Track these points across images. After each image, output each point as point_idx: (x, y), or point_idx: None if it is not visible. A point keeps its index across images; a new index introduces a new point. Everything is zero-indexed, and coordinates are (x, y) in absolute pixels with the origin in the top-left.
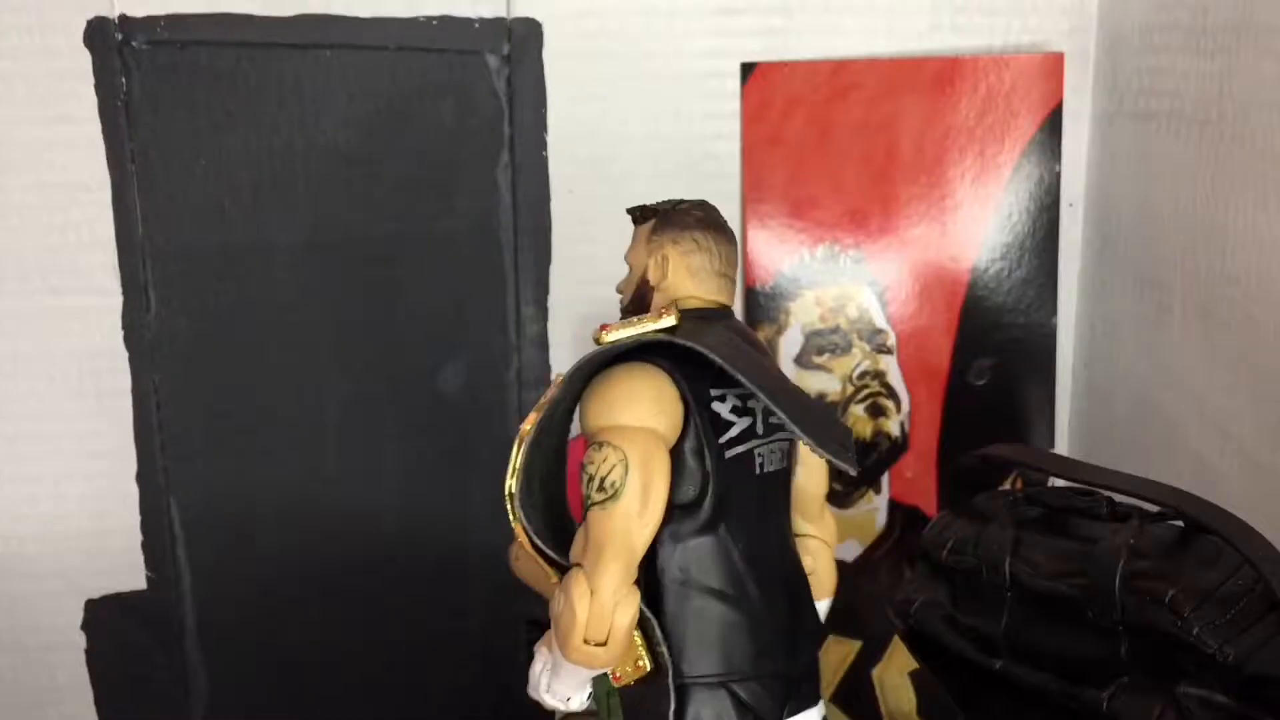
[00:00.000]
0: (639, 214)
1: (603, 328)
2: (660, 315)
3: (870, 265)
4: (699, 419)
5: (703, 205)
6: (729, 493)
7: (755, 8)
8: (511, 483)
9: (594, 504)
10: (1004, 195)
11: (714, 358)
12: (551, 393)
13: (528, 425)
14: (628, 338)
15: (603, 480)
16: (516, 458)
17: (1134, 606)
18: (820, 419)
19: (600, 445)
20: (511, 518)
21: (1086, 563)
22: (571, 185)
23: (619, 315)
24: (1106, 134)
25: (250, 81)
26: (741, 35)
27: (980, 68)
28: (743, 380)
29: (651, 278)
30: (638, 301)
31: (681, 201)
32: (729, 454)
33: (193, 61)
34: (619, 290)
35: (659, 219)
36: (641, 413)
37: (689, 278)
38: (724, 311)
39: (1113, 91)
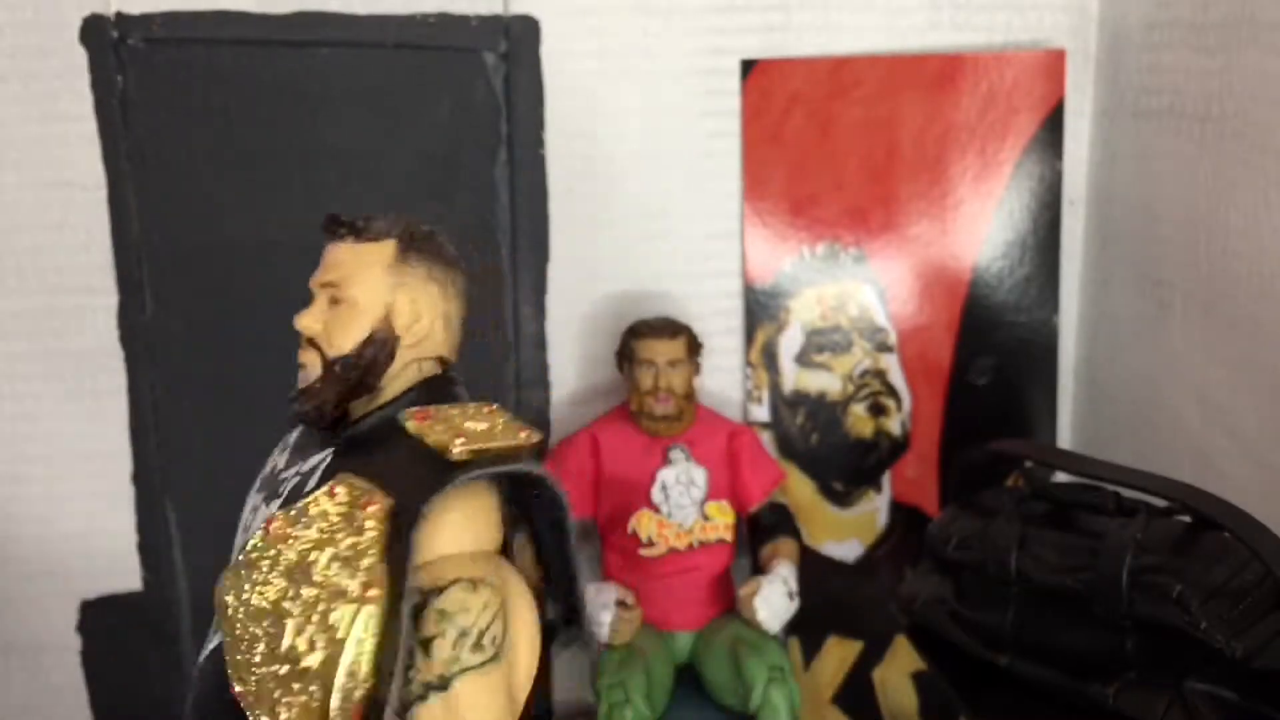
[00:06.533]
0: (357, 229)
1: (423, 417)
2: (500, 415)
3: (871, 263)
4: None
5: (442, 233)
6: None
7: (755, 5)
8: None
9: (465, 671)
10: (1005, 193)
11: (566, 510)
12: (375, 542)
13: (371, 588)
14: (494, 451)
15: (481, 635)
16: (372, 640)
17: (1141, 601)
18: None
19: (470, 585)
20: None
21: (1093, 557)
22: (570, 184)
23: (314, 368)
24: (1108, 131)
25: (247, 79)
26: (741, 32)
27: (981, 65)
28: (571, 545)
29: (399, 322)
30: (369, 358)
31: (408, 217)
32: None
33: (189, 59)
34: (308, 330)
35: (405, 242)
36: (492, 531)
37: (443, 332)
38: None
39: (1114, 89)
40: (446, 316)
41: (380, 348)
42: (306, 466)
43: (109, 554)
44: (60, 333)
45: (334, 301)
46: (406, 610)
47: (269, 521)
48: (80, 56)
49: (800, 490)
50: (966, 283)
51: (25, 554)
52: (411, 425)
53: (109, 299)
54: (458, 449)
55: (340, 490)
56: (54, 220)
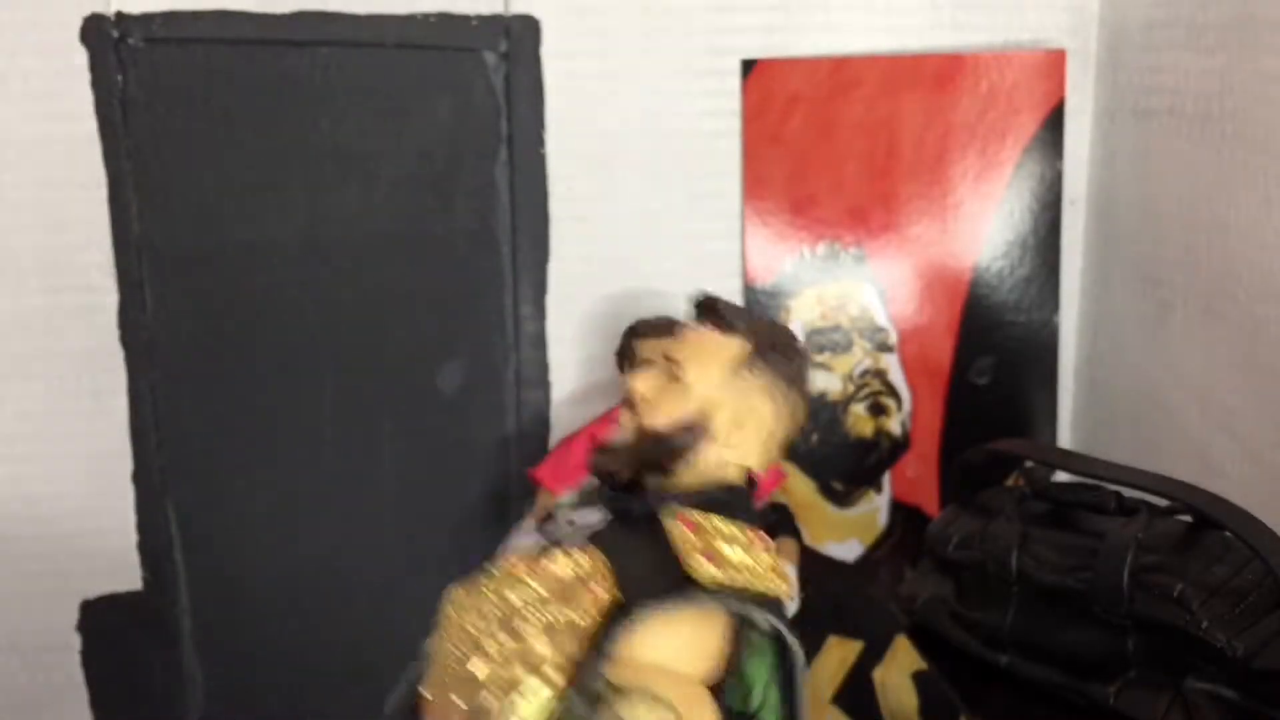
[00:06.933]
0: (724, 317)
1: (689, 525)
2: (764, 551)
3: (871, 263)
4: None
5: (799, 341)
6: None
7: (755, 5)
8: None
9: None
10: (1006, 193)
11: (797, 669)
12: (583, 625)
13: (560, 672)
14: (742, 590)
15: None
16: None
17: (1142, 601)
18: None
19: (652, 700)
20: None
21: (1094, 557)
22: (570, 183)
23: (628, 429)
24: (1108, 131)
25: (247, 79)
26: (741, 32)
27: (981, 65)
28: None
29: (718, 428)
30: (679, 443)
31: (777, 325)
32: None
33: (190, 59)
34: (639, 394)
35: (760, 347)
36: (705, 662)
37: (760, 447)
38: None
39: (1114, 88)
40: (770, 435)
41: (690, 438)
42: (581, 521)
43: (109, 554)
44: (60, 333)
45: (672, 378)
46: (587, 692)
47: (512, 560)
48: (80, 56)
49: (800, 490)
50: (967, 283)
51: (25, 554)
52: (674, 529)
53: (109, 299)
54: (704, 570)
55: (583, 560)
56: (54, 220)
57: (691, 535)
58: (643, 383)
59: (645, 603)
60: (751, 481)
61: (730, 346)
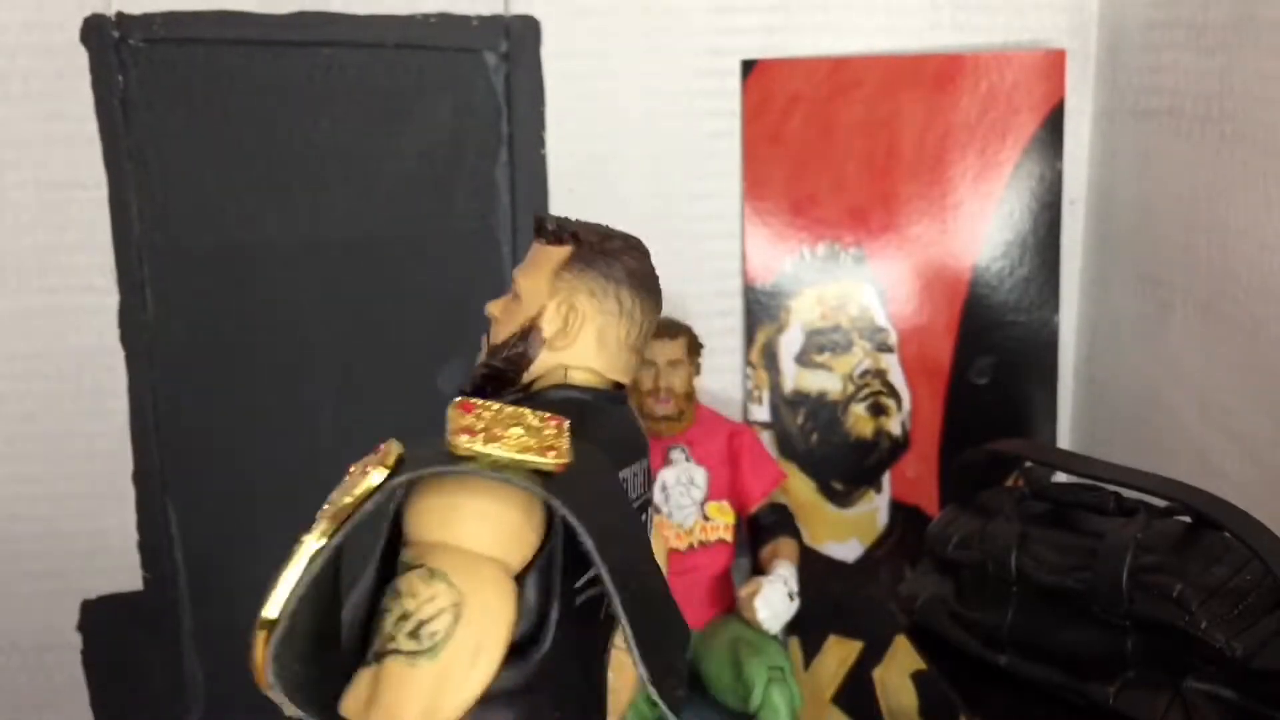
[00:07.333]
0: (551, 229)
1: (465, 408)
2: (551, 432)
3: (871, 263)
4: (557, 553)
5: (638, 248)
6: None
7: (755, 5)
8: (272, 610)
9: (397, 653)
10: (1005, 193)
11: (589, 548)
12: (356, 494)
13: (316, 535)
14: (499, 460)
15: (420, 625)
16: (293, 580)
17: (1141, 601)
18: (663, 638)
19: (427, 573)
20: (259, 668)
21: (1093, 557)
22: (570, 184)
23: (484, 351)
24: (1108, 131)
25: (248, 79)
26: (741, 33)
27: (981, 65)
28: (608, 586)
29: (546, 328)
30: (514, 350)
31: (611, 233)
32: (580, 599)
33: (190, 59)
34: (490, 315)
35: (579, 249)
36: (491, 538)
37: (596, 346)
38: (621, 396)
39: (1114, 89)
40: (600, 332)
41: (525, 344)
42: None
43: (110, 553)
44: (60, 333)
45: (514, 295)
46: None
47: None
48: (81, 56)
49: (800, 490)
50: (966, 283)
51: (26, 553)
52: (449, 411)
53: (109, 299)
54: (459, 444)
55: (384, 452)
56: (55, 220)
57: (466, 416)
58: (491, 304)
59: (393, 476)
60: (619, 386)
61: (556, 254)
